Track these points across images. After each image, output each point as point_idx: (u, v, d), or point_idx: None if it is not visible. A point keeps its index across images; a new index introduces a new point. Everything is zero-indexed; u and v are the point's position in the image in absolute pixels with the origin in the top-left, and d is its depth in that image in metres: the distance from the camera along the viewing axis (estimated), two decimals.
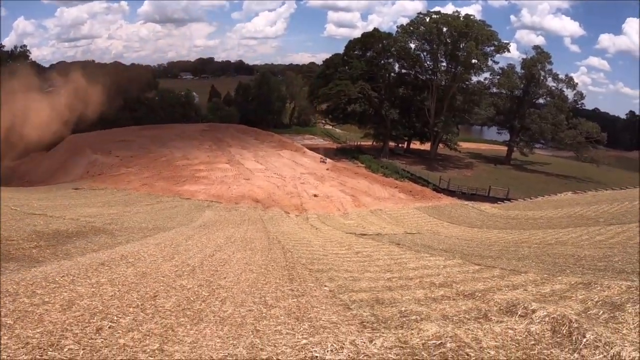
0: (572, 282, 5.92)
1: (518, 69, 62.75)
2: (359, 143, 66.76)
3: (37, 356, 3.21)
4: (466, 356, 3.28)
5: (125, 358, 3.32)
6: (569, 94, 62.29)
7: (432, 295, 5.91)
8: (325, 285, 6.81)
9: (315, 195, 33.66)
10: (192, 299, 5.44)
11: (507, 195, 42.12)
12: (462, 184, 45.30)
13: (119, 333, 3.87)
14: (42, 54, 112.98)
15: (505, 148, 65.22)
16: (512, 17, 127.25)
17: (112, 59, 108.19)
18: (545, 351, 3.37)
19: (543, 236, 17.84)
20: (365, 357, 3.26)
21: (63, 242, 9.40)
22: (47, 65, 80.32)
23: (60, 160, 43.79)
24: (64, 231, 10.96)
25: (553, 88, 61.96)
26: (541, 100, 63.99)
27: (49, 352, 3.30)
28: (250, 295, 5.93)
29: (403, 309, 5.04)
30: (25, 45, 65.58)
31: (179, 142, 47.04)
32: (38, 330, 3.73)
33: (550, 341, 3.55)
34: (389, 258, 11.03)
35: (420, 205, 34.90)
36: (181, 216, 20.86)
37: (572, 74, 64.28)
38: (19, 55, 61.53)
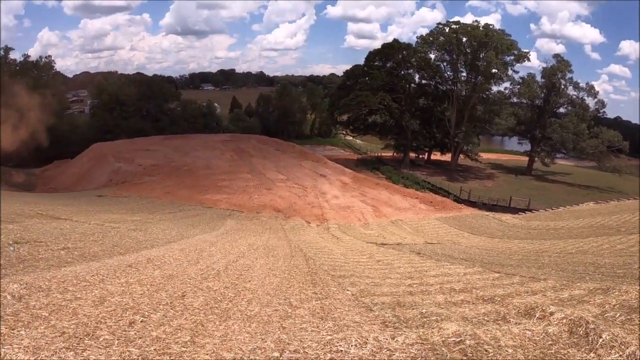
0: (591, 288, 5.89)
1: (538, 78, 61.90)
2: (379, 154, 66.73)
3: (74, 344, 3.34)
4: (485, 352, 3.32)
5: (159, 347, 3.43)
6: (590, 102, 61.35)
7: (452, 300, 5.95)
8: (348, 290, 6.85)
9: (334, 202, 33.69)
10: (219, 299, 5.56)
11: (528, 205, 41.50)
12: (483, 195, 44.82)
13: (150, 327, 4.00)
14: (66, 64, 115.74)
15: (526, 158, 64.37)
16: (532, 26, 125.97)
17: (134, 70, 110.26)
18: (562, 351, 3.41)
19: (564, 246, 17.58)
20: (387, 352, 3.32)
21: (90, 245, 9.61)
22: (70, 76, 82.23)
23: (84, 168, 44.63)
24: (89, 235, 11.21)
25: (574, 97, 60.96)
26: (562, 110, 63.07)
27: (85, 341, 3.43)
28: (275, 297, 6.01)
29: (424, 310, 5.12)
30: (49, 56, 67.00)
31: (201, 152, 47.56)
32: (73, 322, 3.88)
33: (567, 341, 3.59)
34: (409, 266, 11.01)
35: (440, 216, 34.63)
36: (204, 224, 21.10)
37: (593, 82, 63.35)
38: (44, 65, 62.86)
